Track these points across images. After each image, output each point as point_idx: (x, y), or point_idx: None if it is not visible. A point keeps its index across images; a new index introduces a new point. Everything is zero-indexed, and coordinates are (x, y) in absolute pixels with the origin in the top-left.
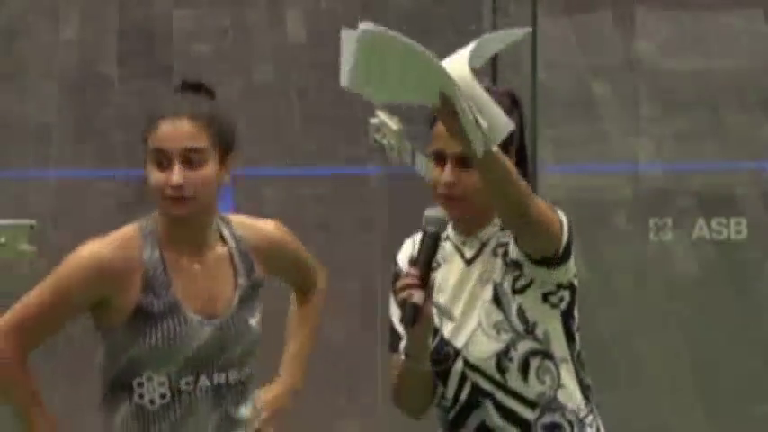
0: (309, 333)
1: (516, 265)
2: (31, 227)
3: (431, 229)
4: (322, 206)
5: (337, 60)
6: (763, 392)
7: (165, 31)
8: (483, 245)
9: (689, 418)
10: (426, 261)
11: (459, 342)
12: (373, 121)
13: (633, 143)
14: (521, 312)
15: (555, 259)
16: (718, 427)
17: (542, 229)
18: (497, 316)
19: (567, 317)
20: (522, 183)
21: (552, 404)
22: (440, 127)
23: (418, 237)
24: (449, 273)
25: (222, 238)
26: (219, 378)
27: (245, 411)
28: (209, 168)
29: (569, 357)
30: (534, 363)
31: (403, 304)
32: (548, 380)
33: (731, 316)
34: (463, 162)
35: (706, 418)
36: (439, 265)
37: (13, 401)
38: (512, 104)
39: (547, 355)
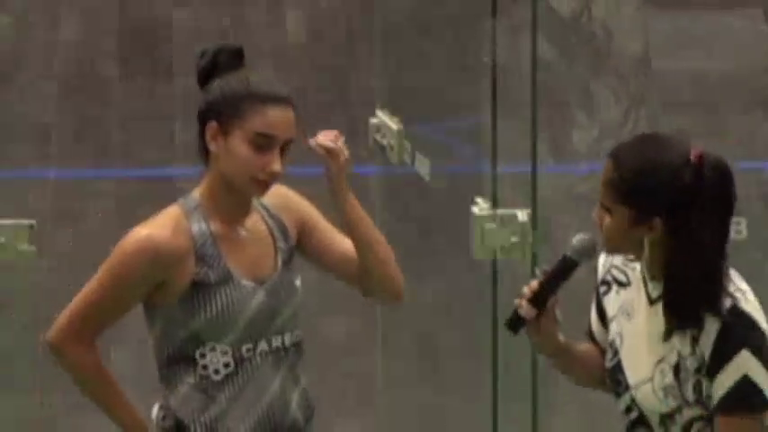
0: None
1: (702, 361)
2: (31, 227)
3: (570, 255)
4: (322, 206)
5: (337, 60)
6: None
7: (165, 31)
8: None
9: None
10: (550, 283)
11: (631, 379)
12: (373, 121)
13: None
14: (697, 386)
15: None
16: None
17: None
18: (671, 383)
19: None
20: None
21: None
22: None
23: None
24: (635, 300)
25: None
26: (277, 341)
27: (303, 378)
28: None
29: None
30: (697, 426)
31: (515, 309)
32: None
33: None
34: (603, 206)
35: None
36: (629, 282)
37: (100, 402)
38: (690, 166)
39: (710, 421)
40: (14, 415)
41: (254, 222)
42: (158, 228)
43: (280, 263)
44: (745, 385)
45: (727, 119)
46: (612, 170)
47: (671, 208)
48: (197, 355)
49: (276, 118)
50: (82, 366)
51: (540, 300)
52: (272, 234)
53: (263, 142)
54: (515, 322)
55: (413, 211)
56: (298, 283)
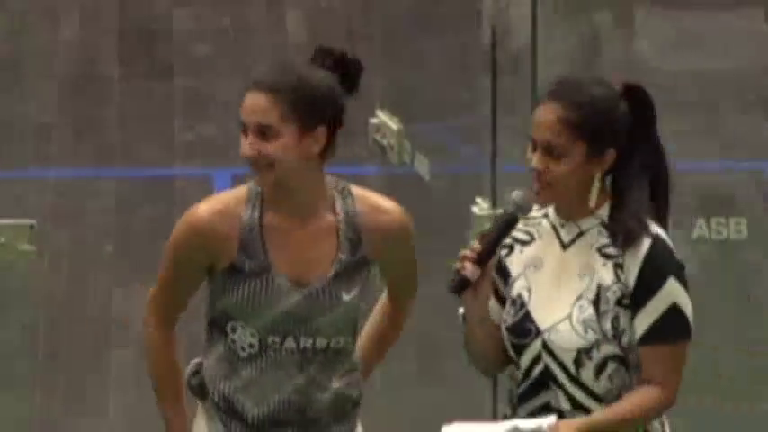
0: (382, 347)
1: (626, 289)
2: (31, 227)
3: (509, 209)
4: None
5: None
6: (764, 392)
7: (165, 31)
8: (581, 233)
9: (689, 418)
10: (493, 241)
11: (543, 323)
12: (373, 121)
13: None
14: (615, 320)
15: None
16: (718, 426)
17: None
18: (590, 315)
19: None
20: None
21: (616, 400)
22: (536, 114)
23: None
24: (545, 252)
25: (333, 209)
26: (306, 342)
27: (337, 381)
28: (282, 141)
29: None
30: (611, 366)
31: (456, 271)
32: (617, 381)
33: (731, 316)
34: (550, 151)
35: (705, 417)
36: (533, 239)
37: (155, 388)
38: (620, 98)
39: (624, 361)
40: (14, 415)
41: (321, 226)
42: (209, 207)
43: (331, 273)
44: (674, 314)
45: (727, 119)
46: (564, 110)
47: (619, 137)
48: (228, 328)
49: (246, 103)
50: (150, 344)
51: (482, 260)
52: (338, 242)
53: (244, 128)
54: (461, 284)
55: (413, 211)
56: (346, 297)
